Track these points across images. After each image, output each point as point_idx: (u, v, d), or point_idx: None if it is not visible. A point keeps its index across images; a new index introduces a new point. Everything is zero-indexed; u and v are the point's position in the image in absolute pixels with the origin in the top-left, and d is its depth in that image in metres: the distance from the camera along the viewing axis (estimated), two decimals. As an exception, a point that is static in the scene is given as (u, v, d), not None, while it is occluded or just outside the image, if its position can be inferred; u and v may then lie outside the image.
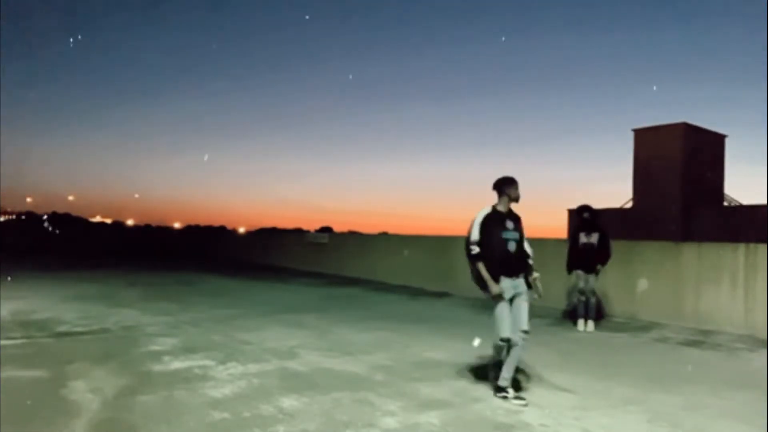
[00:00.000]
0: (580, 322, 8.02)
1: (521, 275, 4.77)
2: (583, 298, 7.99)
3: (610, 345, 7.12)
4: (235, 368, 5.41)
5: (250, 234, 28.86)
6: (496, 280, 4.64)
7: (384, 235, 20.02)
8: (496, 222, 4.74)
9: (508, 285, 4.68)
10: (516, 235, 4.78)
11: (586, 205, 8.14)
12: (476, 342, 6.14)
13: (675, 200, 29.74)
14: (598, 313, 8.22)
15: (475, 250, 4.69)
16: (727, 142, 32.70)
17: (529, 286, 4.79)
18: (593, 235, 7.97)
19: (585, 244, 8.00)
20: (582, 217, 8.14)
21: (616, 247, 9.57)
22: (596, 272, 7.96)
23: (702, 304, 8.41)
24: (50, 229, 36.96)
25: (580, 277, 8.06)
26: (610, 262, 8.09)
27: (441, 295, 11.96)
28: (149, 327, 7.54)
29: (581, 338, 7.55)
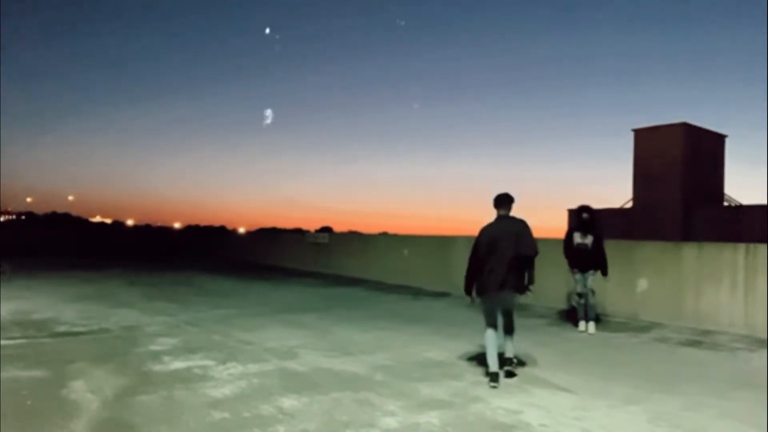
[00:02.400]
0: (581, 323, 7.96)
1: None
2: (582, 301, 7.88)
3: (610, 345, 7.12)
4: (235, 368, 5.41)
5: (250, 234, 28.89)
6: None
7: (384, 235, 20.04)
8: None
9: None
10: None
11: (585, 206, 8.00)
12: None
13: (675, 200, 29.76)
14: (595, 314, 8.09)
15: None
16: (727, 142, 32.75)
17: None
18: (588, 236, 7.84)
19: (579, 245, 7.88)
20: (581, 218, 8.00)
21: (617, 247, 9.56)
22: (601, 273, 7.85)
23: (702, 304, 8.41)
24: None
25: (578, 280, 7.94)
26: (609, 263, 7.91)
27: (441, 295, 11.96)
28: (149, 327, 7.54)
29: (581, 338, 7.54)
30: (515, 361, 5.34)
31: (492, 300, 5.24)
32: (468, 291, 5.31)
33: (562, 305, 9.65)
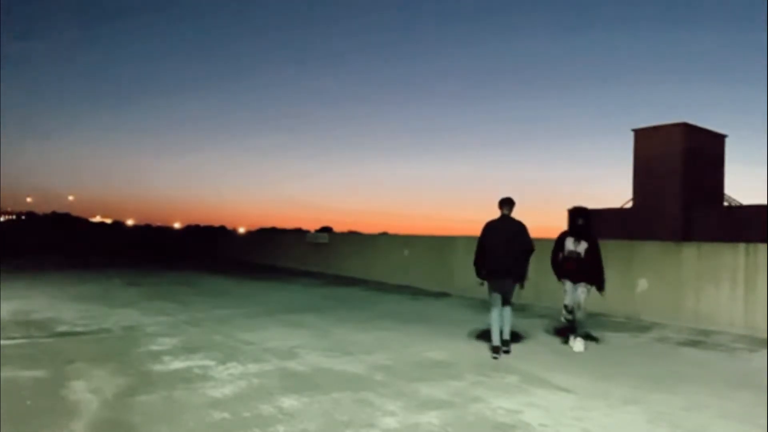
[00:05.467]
0: (571, 338, 6.86)
1: None
2: (570, 317, 6.78)
3: (610, 345, 7.11)
4: (235, 368, 5.41)
5: (250, 234, 28.86)
6: None
7: (384, 235, 20.03)
8: None
9: None
10: None
11: (581, 209, 6.95)
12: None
13: (675, 200, 29.74)
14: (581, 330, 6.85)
15: None
16: (727, 142, 32.73)
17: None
18: (582, 243, 6.73)
19: (571, 252, 6.78)
20: (575, 223, 6.92)
21: (617, 247, 9.57)
22: (594, 287, 6.77)
23: (702, 304, 8.41)
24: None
25: (566, 291, 6.84)
26: (609, 264, 7.19)
27: (441, 295, 11.96)
28: (149, 327, 7.54)
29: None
30: (510, 343, 6.34)
31: (497, 284, 6.26)
32: (478, 274, 6.38)
33: (560, 305, 9.61)
